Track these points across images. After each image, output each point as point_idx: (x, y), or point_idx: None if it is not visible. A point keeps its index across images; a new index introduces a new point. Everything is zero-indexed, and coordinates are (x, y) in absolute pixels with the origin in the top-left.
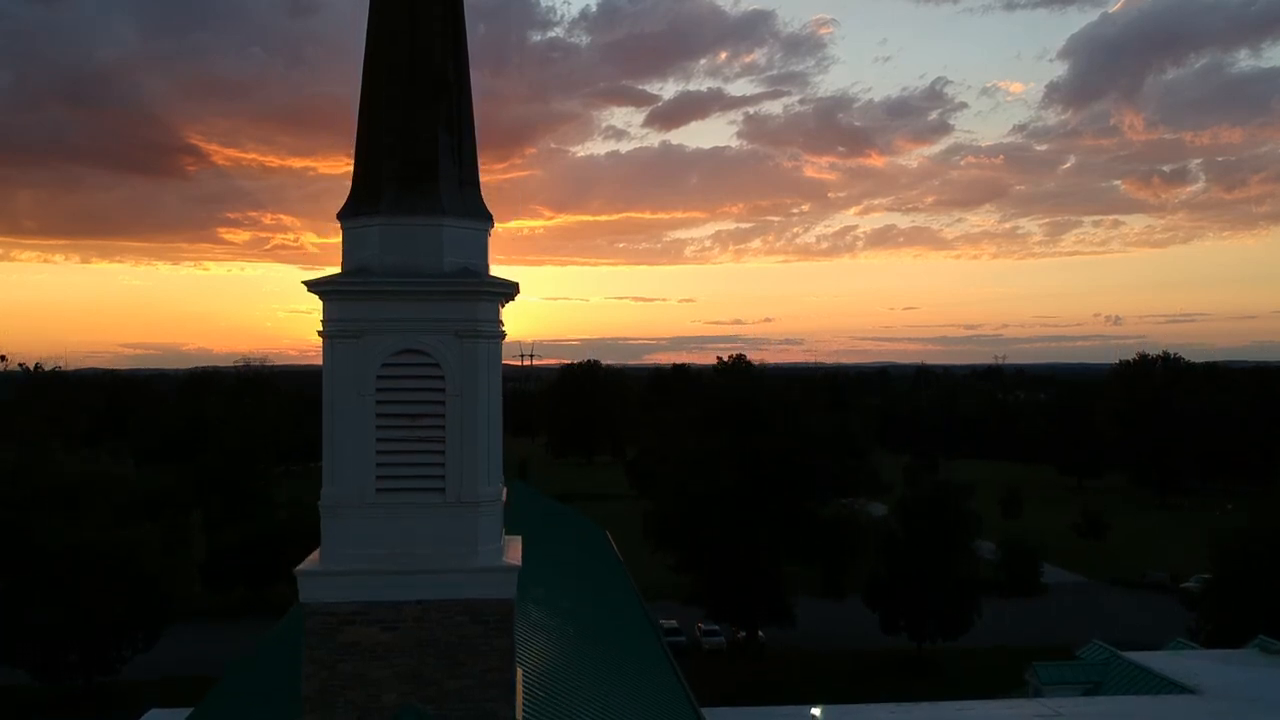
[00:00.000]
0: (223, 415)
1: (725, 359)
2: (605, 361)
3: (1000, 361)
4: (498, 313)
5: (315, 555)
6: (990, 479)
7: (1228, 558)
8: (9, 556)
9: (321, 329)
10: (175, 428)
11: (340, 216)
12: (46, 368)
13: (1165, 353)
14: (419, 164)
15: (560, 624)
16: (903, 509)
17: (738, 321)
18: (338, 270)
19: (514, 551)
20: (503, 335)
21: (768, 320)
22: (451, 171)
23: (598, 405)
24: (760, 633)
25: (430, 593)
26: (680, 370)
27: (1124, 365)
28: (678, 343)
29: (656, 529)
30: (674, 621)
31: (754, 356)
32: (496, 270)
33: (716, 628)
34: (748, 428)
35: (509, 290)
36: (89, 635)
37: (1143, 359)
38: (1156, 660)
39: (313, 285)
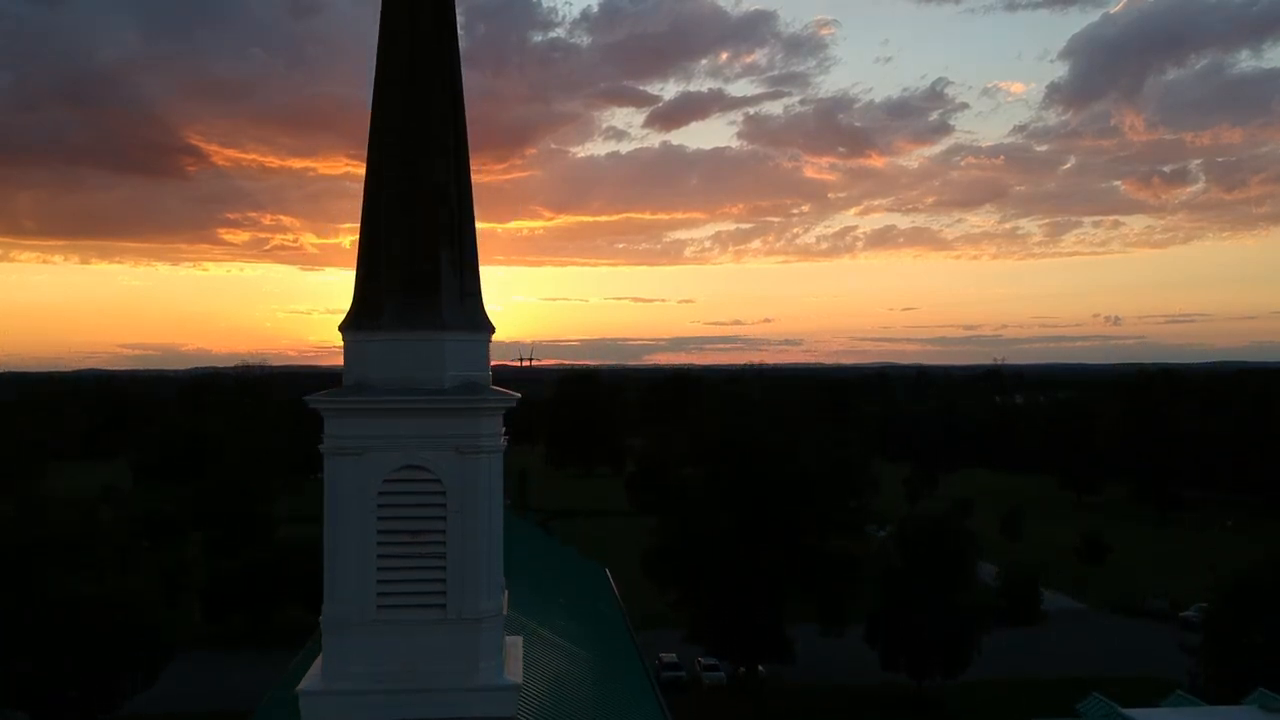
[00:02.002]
0: (222, 433)
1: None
2: (604, 362)
3: (999, 363)
4: (499, 425)
5: (316, 668)
6: (990, 491)
7: (1227, 604)
8: (6, 607)
9: (323, 445)
10: (174, 445)
11: (342, 329)
12: (45, 371)
13: (1165, 369)
14: (420, 279)
15: (555, 691)
16: (903, 540)
17: (737, 322)
18: (335, 277)
19: (514, 662)
20: (505, 445)
21: (767, 321)
22: (453, 284)
23: (598, 411)
24: (760, 668)
25: (431, 711)
26: (679, 377)
27: (1124, 381)
28: (677, 343)
29: (656, 567)
30: (674, 655)
31: (753, 357)
32: (494, 271)
33: (716, 662)
34: (746, 467)
35: (510, 404)
36: (88, 674)
37: (1142, 374)
38: (1156, 718)
39: (314, 402)
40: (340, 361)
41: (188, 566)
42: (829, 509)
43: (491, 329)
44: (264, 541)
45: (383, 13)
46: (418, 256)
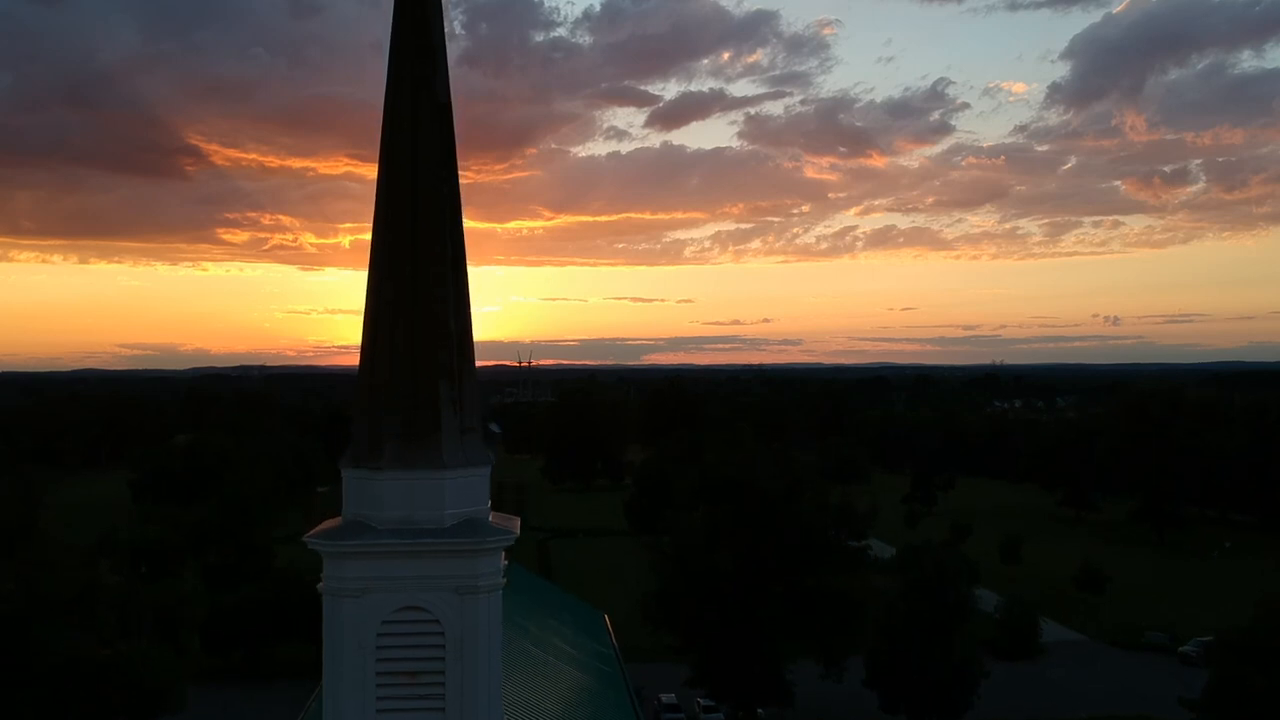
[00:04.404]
0: (222, 450)
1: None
2: (603, 362)
3: (998, 363)
4: (499, 564)
5: None
6: (989, 508)
7: (1229, 655)
8: (5, 672)
9: (321, 585)
10: (174, 463)
11: (341, 466)
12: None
13: (1164, 370)
14: (420, 418)
15: None
16: (902, 580)
17: (736, 322)
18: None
19: None
20: (504, 583)
21: (766, 321)
22: (452, 422)
23: (596, 423)
24: (759, 710)
25: None
26: (679, 388)
27: (1122, 385)
28: (676, 343)
29: (656, 612)
30: (673, 696)
31: (752, 357)
32: (494, 271)
33: (715, 704)
34: (746, 511)
35: (509, 541)
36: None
37: (1142, 394)
38: None
39: (313, 544)
40: (339, 362)
41: (187, 601)
42: (829, 552)
43: (491, 461)
44: (264, 571)
45: (383, 147)
46: (418, 396)
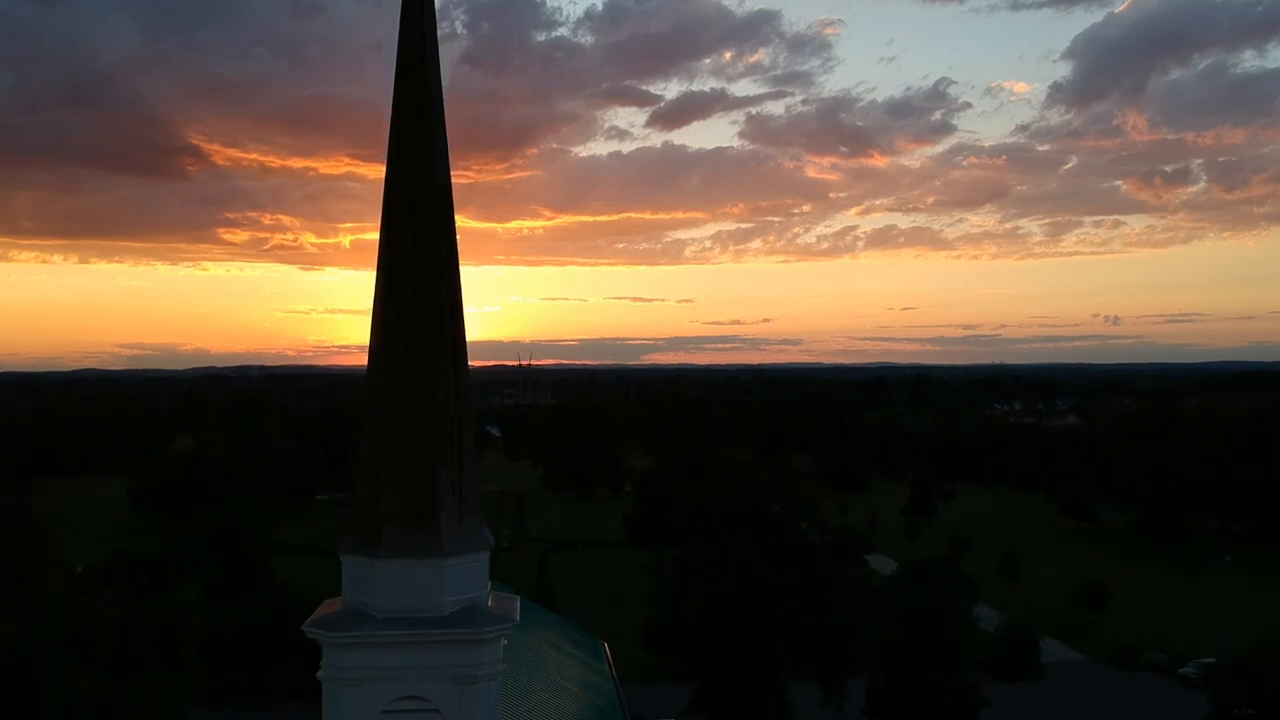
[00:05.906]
0: (221, 457)
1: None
2: (603, 362)
3: (998, 363)
4: (499, 651)
5: None
6: (989, 518)
7: (1229, 681)
8: (7, 714)
9: (321, 673)
10: (174, 471)
11: (340, 550)
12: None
13: (1164, 369)
14: (420, 505)
15: None
16: (901, 602)
17: (736, 322)
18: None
19: None
20: (503, 670)
21: (766, 320)
22: (451, 505)
23: (596, 424)
24: None
25: None
26: (679, 394)
27: (1123, 413)
28: (676, 343)
29: (655, 638)
30: None
31: (752, 357)
32: (494, 270)
33: None
34: (747, 537)
35: (508, 629)
36: None
37: (1142, 407)
38: None
39: (313, 633)
40: (338, 362)
41: (187, 621)
42: (830, 578)
43: (491, 544)
44: (264, 586)
45: (383, 229)
46: (417, 484)
